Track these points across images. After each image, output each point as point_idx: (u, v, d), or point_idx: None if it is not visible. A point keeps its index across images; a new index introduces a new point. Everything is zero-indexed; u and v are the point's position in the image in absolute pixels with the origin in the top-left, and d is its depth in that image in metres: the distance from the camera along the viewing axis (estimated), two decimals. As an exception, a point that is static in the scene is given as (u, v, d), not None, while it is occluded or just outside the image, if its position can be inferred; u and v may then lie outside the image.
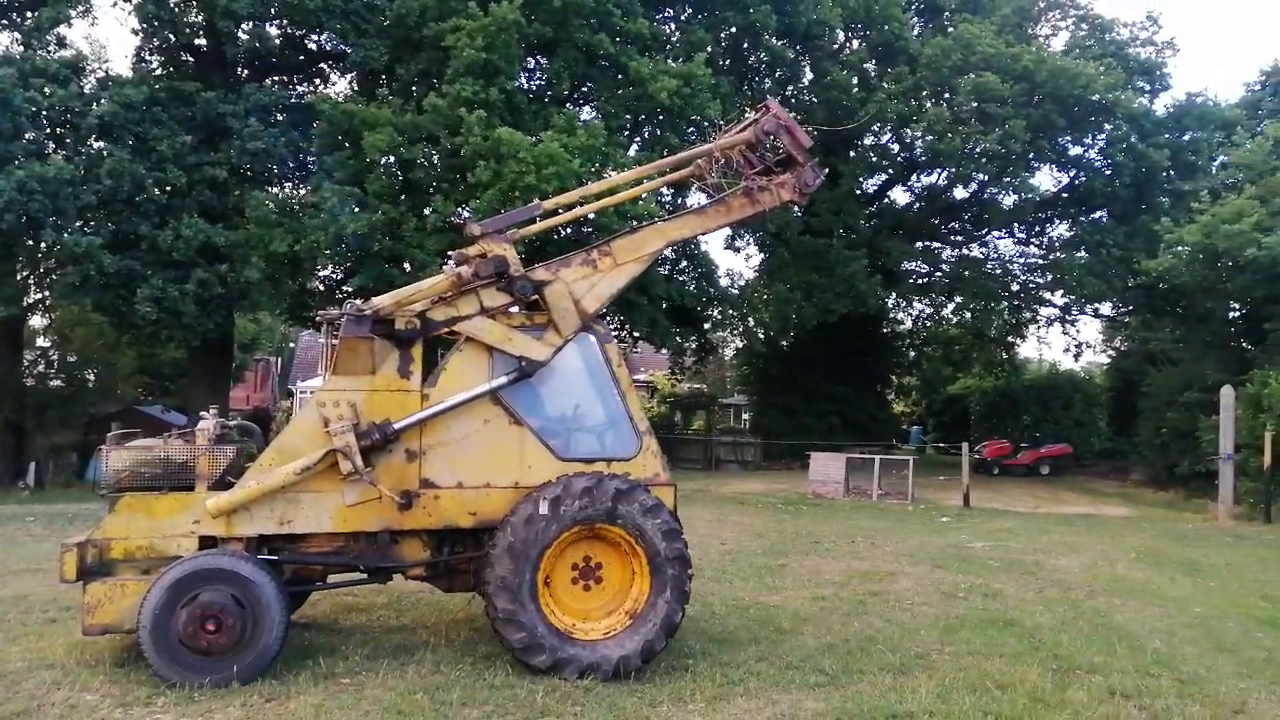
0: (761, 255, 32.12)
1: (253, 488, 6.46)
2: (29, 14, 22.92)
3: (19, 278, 24.36)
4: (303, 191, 26.56)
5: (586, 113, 26.59)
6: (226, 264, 22.69)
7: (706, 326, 32.61)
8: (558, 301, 6.95)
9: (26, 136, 20.88)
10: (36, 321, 29.74)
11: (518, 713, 5.77)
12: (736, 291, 31.52)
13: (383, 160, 22.79)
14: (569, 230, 25.27)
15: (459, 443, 6.80)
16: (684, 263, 29.46)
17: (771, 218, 27.23)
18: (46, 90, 20.81)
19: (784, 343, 36.99)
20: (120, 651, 6.68)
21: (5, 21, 23.99)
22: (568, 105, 26.24)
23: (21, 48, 22.59)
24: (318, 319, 8.30)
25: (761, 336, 35.65)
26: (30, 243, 22.31)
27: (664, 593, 6.66)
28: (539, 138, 21.61)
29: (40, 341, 30.80)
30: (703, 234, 7.98)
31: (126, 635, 6.33)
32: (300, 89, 27.80)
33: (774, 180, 7.50)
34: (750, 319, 32.41)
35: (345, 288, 26.46)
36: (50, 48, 22.85)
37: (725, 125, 8.22)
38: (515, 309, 7.02)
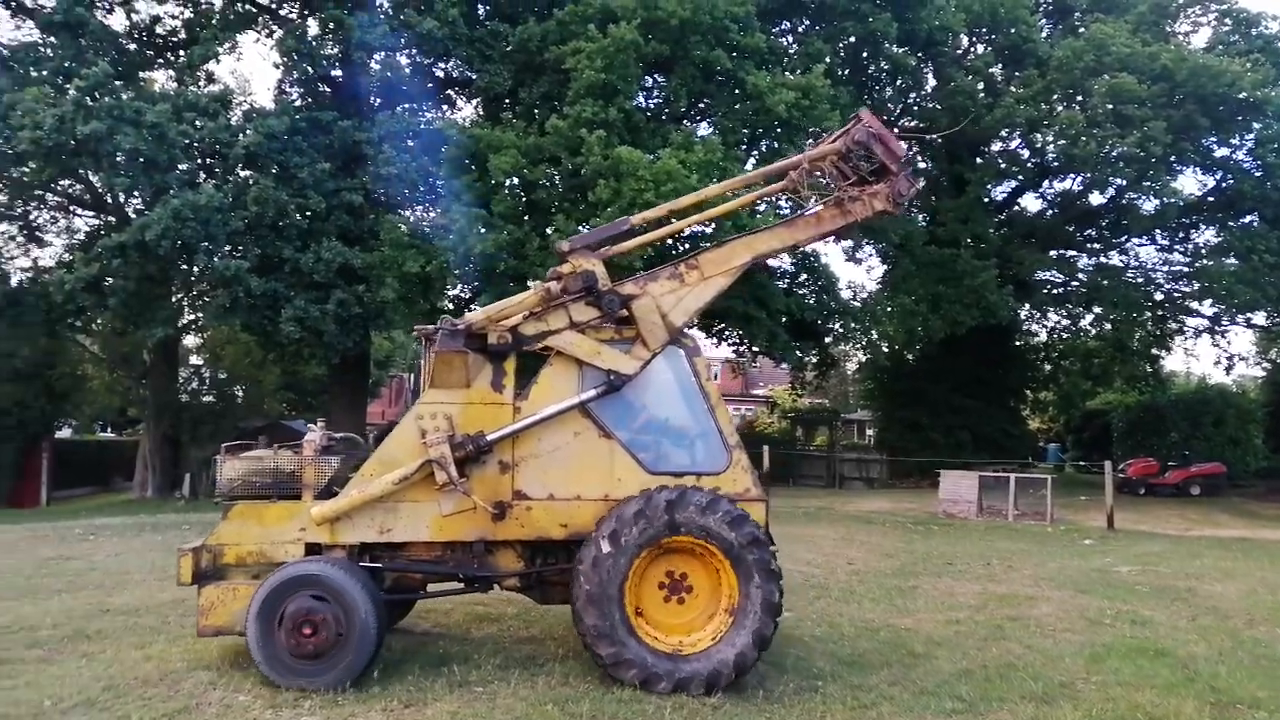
0: (884, 266, 31.50)
1: (353, 497, 6.73)
2: (181, 52, 24.56)
3: (174, 300, 26.01)
4: (433, 214, 27.52)
5: (704, 129, 26.67)
6: (363, 284, 23.68)
7: (828, 340, 32.09)
8: (645, 315, 7.00)
9: (180, 167, 22.32)
10: (190, 341, 31.74)
11: (647, 728, 5.77)
12: (859, 304, 30.91)
13: (507, 181, 23.39)
14: (685, 243, 25.41)
15: (550, 455, 6.89)
16: (803, 275, 29.12)
17: (893, 228, 26.68)
18: (198, 123, 22.21)
19: (910, 356, 36.05)
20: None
21: (161, 61, 25.81)
22: (685, 122, 26.38)
23: (175, 84, 24.24)
24: (414, 334, 8.50)
25: (886, 350, 34.83)
26: (184, 267, 23.80)
27: (752, 579, 6.55)
28: (657, 155, 21.78)
29: (194, 360, 32.84)
30: (793, 247, 7.80)
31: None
32: (429, 115, 28.85)
33: (866, 190, 7.33)
34: (874, 332, 31.69)
35: (473, 306, 27.25)
36: (201, 83, 24.43)
37: (827, 136, 8.05)
38: (606, 324, 7.06)
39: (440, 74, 28.39)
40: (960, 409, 33.30)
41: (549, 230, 22.76)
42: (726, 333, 29.79)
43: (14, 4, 24.72)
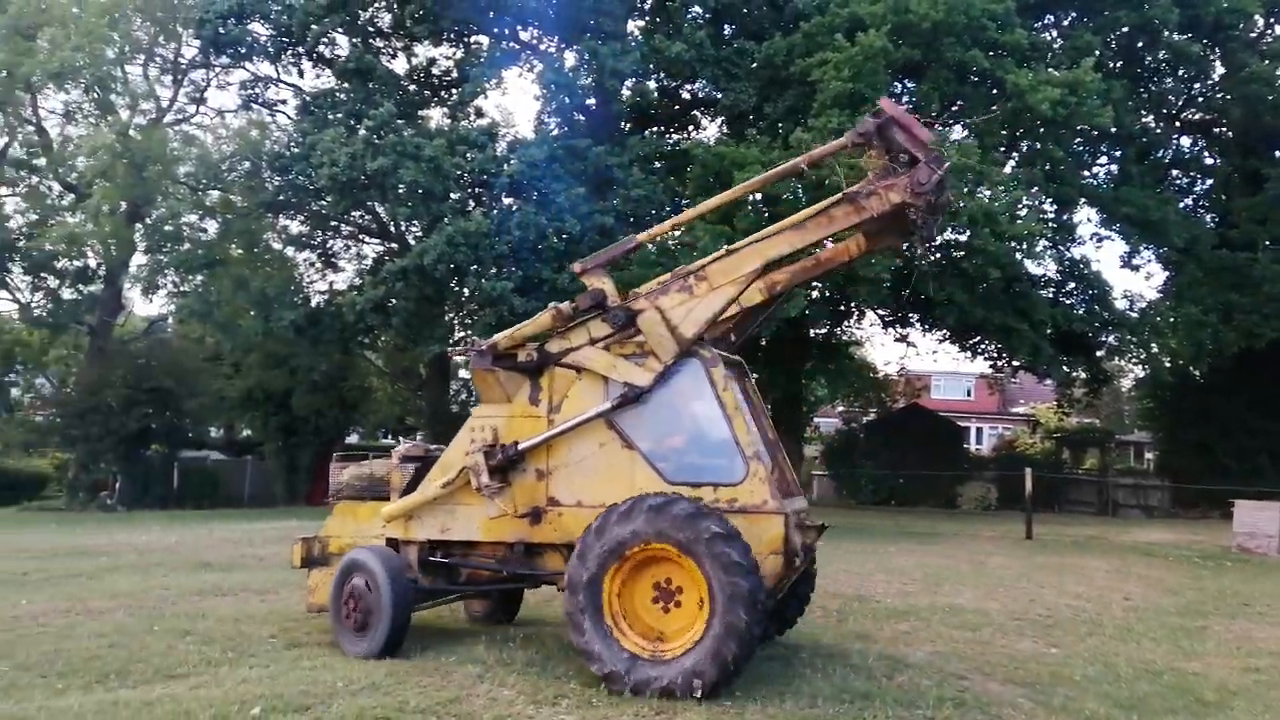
0: (1165, 273, 28.66)
1: (410, 498, 7.67)
2: (454, 90, 26.69)
3: (447, 319, 28.22)
4: (679, 233, 28.15)
5: (958, 132, 25.53)
6: (616, 303, 24.57)
7: (1099, 354, 29.56)
8: (651, 329, 7.10)
9: (453, 196, 24.21)
10: (460, 358, 34.29)
11: (901, 758, 5.54)
12: (1136, 315, 28.21)
13: (750, 197, 23.48)
14: (939, 255, 24.36)
15: (578, 464, 7.22)
16: (1071, 284, 27.12)
17: (1177, 231, 24.24)
18: (468, 155, 24.01)
19: (1197, 372, 32.48)
20: (530, 653, 7.39)
21: (436, 99, 28.17)
22: (938, 126, 25.34)
23: (449, 120, 26.35)
24: (450, 354, 9.47)
25: (1168, 365, 31.59)
26: (456, 288, 25.76)
27: (716, 575, 6.33)
28: (908, 163, 21.07)
29: (463, 374, 35.41)
30: (806, 249, 7.29)
31: (538, 643, 7.01)
32: (675, 137, 29.60)
33: (882, 183, 6.70)
34: (1154, 345, 28.84)
35: (716, 322, 27.58)
36: (470, 118, 26.41)
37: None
38: (626, 338, 7.23)
39: (686, 95, 29.06)
40: (1257, 430, 29.62)
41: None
42: (982, 346, 28.23)
43: (316, 56, 27.88)
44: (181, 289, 30.16)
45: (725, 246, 7.28)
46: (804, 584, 8.12)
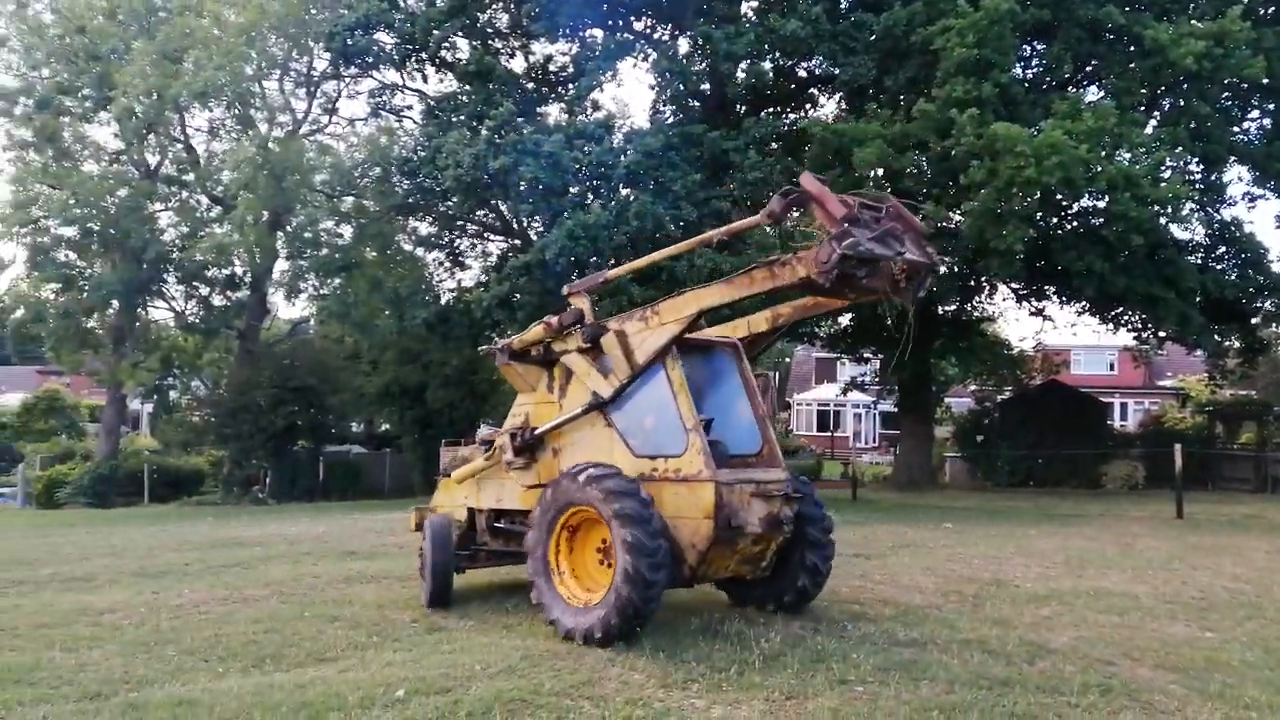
0: (1330, 232, 26.55)
1: (461, 469, 9.30)
2: (570, 85, 27.03)
3: (569, 311, 28.67)
4: (796, 214, 27.75)
5: (1093, 93, 24.28)
6: (732, 288, 24.46)
7: (1255, 321, 27.61)
8: (609, 349, 8.08)
9: (572, 190, 24.55)
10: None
11: (1044, 746, 5.35)
12: (1296, 278, 26.26)
13: (872, 174, 22.94)
14: (1075, 224, 23.28)
15: (578, 443, 8.37)
16: (1221, 247, 25.43)
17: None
18: (586, 149, 24.28)
19: (1367, 336, 30.04)
20: (659, 638, 7.47)
21: (553, 95, 28.59)
22: (1071, 89, 24.17)
23: (566, 115, 26.71)
24: (482, 352, 11.69)
25: (1333, 330, 29.33)
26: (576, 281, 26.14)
27: (615, 530, 7.22)
28: (1039, 129, 20.17)
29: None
30: (737, 301, 7.73)
31: (665, 628, 7.08)
32: (792, 117, 29.15)
33: (797, 255, 7.05)
34: (1315, 310, 26.78)
35: (839, 302, 27.08)
36: (587, 112, 26.70)
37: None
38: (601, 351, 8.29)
39: (803, 73, 28.56)
40: None
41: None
42: (1125, 317, 26.79)
43: (438, 60, 28.72)
44: (321, 292, 31.75)
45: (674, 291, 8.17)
46: (813, 553, 8.45)
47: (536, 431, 8.55)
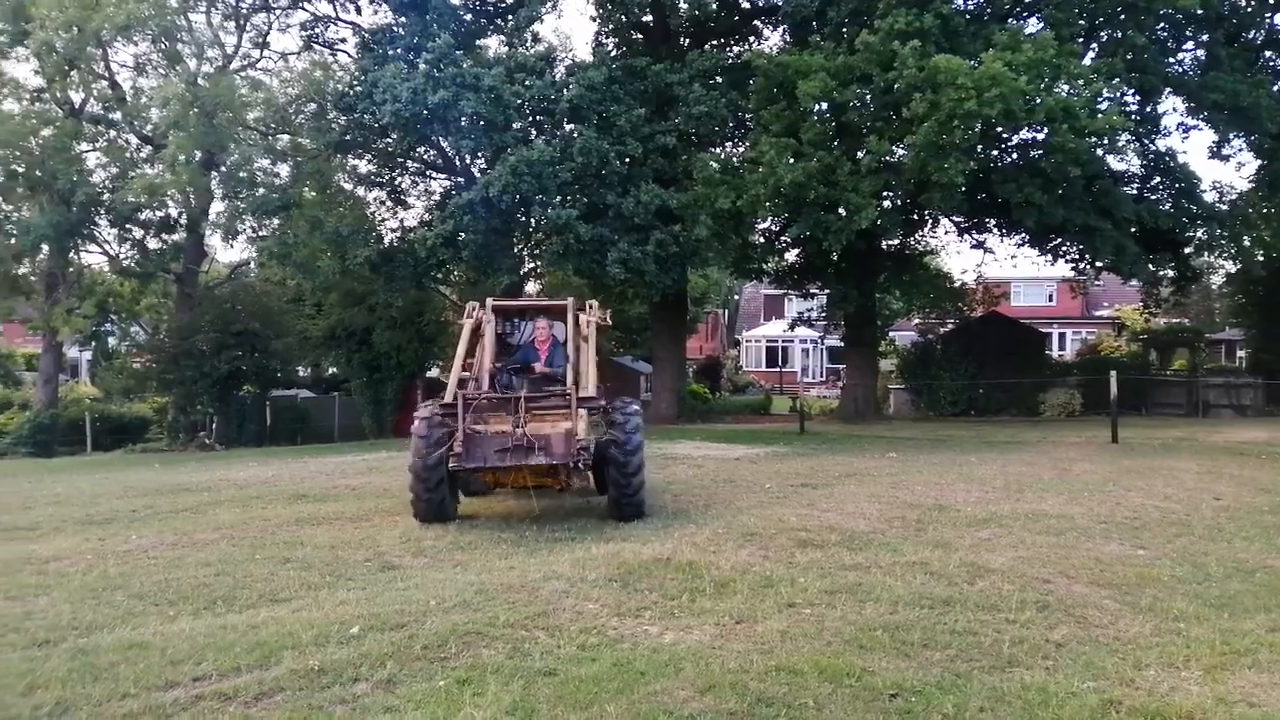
0: (1258, 162, 27.14)
1: None
2: (510, 17, 26.37)
3: (516, 250, 28.38)
4: (742, 149, 27.64)
5: (1033, 25, 24.34)
6: (679, 224, 24.41)
7: (1187, 251, 28.33)
8: None
9: (514, 126, 24.13)
10: (531, 287, 34.54)
11: (983, 660, 5.58)
12: (1226, 207, 26.87)
13: (816, 107, 22.89)
14: (1015, 156, 23.54)
15: None
16: (1156, 178, 25.93)
17: (1271, 116, 22.86)
18: (527, 83, 23.82)
19: (1292, 264, 30.95)
20: (613, 569, 7.60)
21: (492, 27, 27.87)
22: (1010, 20, 24.21)
23: (506, 48, 26.11)
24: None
25: (1261, 258, 30.11)
26: (522, 219, 25.84)
27: None
28: (979, 60, 20.25)
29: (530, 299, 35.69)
30: None
31: (617, 559, 7.19)
32: (736, 49, 28.85)
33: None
34: (1245, 238, 27.48)
35: (784, 238, 27.17)
36: (528, 44, 26.11)
37: None
38: None
39: (746, 4, 28.22)
40: (1360, 322, 28.19)
41: (861, 153, 22.05)
42: (1064, 248, 27.29)
43: (372, -9, 27.82)
44: (260, 233, 30.89)
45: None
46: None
47: None
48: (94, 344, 35.55)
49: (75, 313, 29.76)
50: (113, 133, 31.24)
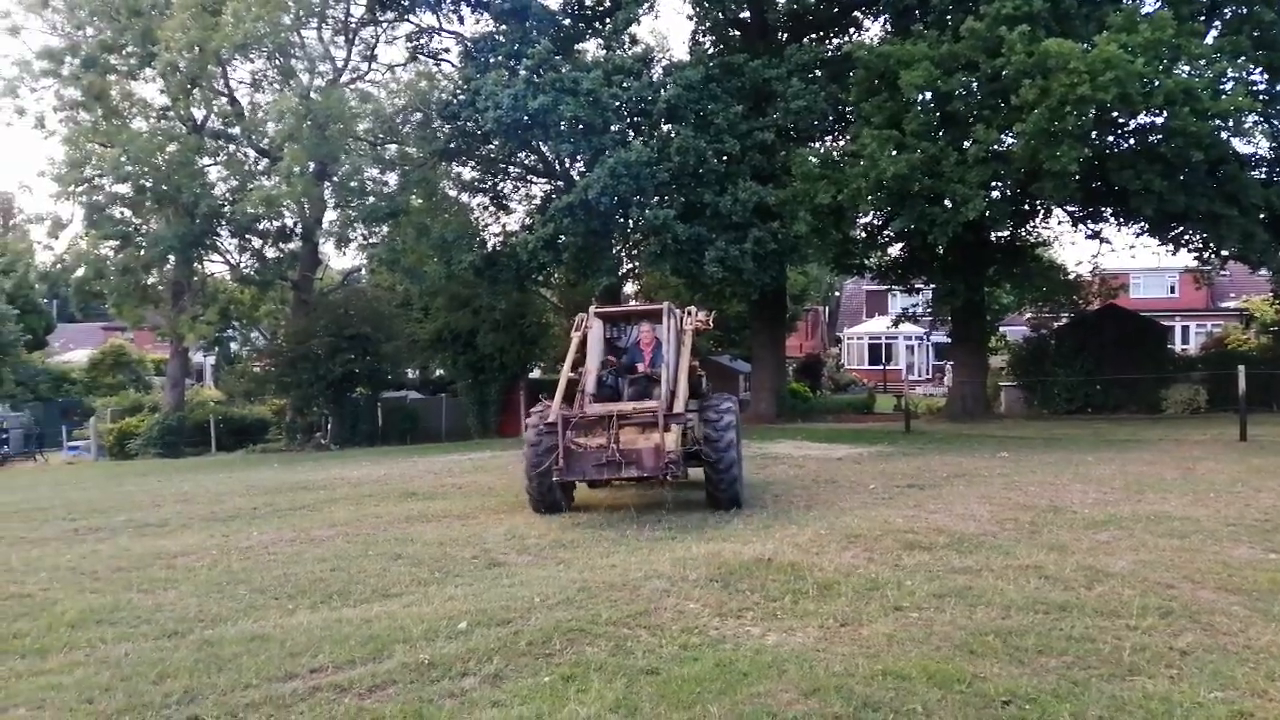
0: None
1: None
2: (607, 20, 26.57)
3: (614, 252, 28.59)
4: (842, 143, 27.20)
5: (1149, 3, 23.24)
6: (777, 221, 24.18)
7: (1323, 237, 26.57)
8: None
9: (612, 128, 24.29)
10: (629, 288, 34.74)
11: (1101, 668, 5.35)
12: (1366, 189, 25.11)
13: (919, 97, 22.33)
14: (1132, 141, 22.53)
15: None
16: (1290, 161, 24.40)
17: None
18: (624, 85, 23.95)
19: None
20: (714, 569, 7.58)
21: (590, 31, 28.15)
22: (1126, 0, 23.15)
23: (604, 51, 26.31)
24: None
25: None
26: (621, 220, 26.02)
27: None
28: (1092, 43, 19.43)
29: (633, 304, 35.89)
30: None
31: (718, 559, 7.16)
32: (835, 42, 28.41)
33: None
34: (1389, 221, 25.60)
35: (886, 232, 26.62)
36: (625, 46, 26.27)
37: None
38: None
39: (846, -5, 27.75)
40: None
41: (967, 143, 21.41)
42: (1186, 237, 25.96)
43: (473, 1, 28.40)
44: (369, 240, 31.97)
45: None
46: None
47: None
48: (217, 349, 37.41)
49: (200, 320, 31.34)
50: (232, 147, 32.78)
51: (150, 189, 30.12)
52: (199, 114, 32.20)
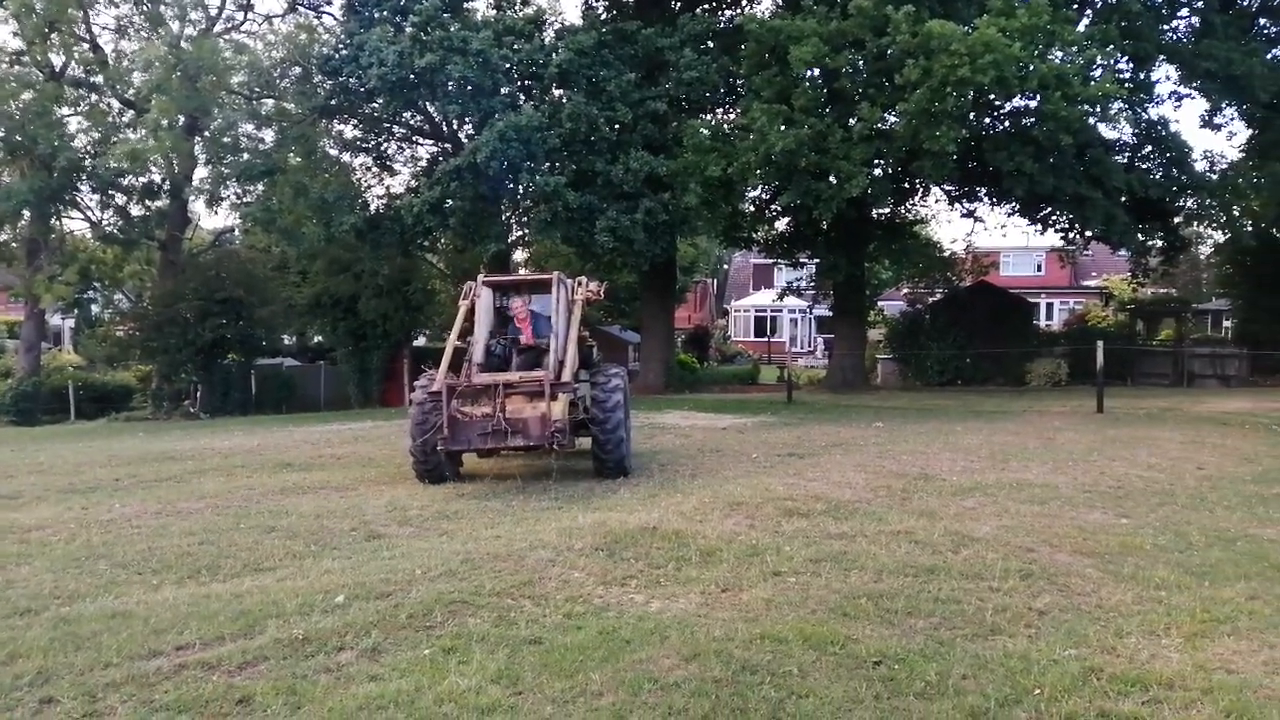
0: (1249, 131, 27.08)
1: None
2: (497, -23, 25.97)
3: (504, 218, 28.17)
4: (733, 115, 27.40)
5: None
6: (668, 192, 24.24)
7: (1176, 221, 28.32)
8: None
9: (502, 91, 23.83)
10: (519, 255, 34.31)
11: (966, 628, 5.60)
12: (1215, 177, 26.84)
13: (807, 73, 22.68)
14: (1007, 124, 23.41)
15: None
16: (1147, 147, 25.85)
17: (1262, 85, 22.76)
18: (515, 47, 23.51)
19: (1280, 235, 30.99)
20: (600, 538, 7.60)
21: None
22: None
23: (494, 10, 25.73)
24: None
25: (1249, 228, 30.12)
26: (510, 186, 25.62)
27: None
28: (973, 26, 20.08)
29: (522, 273, 35.52)
30: None
31: (604, 528, 7.18)
32: (728, 13, 28.51)
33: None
34: (1235, 208, 27.44)
35: (774, 206, 27.04)
36: (516, 7, 25.76)
37: None
38: None
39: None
40: (1346, 295, 28.29)
41: (853, 120, 21.88)
42: (1054, 218, 27.26)
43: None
44: (244, 199, 30.56)
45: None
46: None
47: None
48: (76, 311, 35.29)
49: (57, 280, 29.48)
50: (94, 97, 30.81)
51: (2, 139, 28.09)
52: (58, 60, 30.10)
